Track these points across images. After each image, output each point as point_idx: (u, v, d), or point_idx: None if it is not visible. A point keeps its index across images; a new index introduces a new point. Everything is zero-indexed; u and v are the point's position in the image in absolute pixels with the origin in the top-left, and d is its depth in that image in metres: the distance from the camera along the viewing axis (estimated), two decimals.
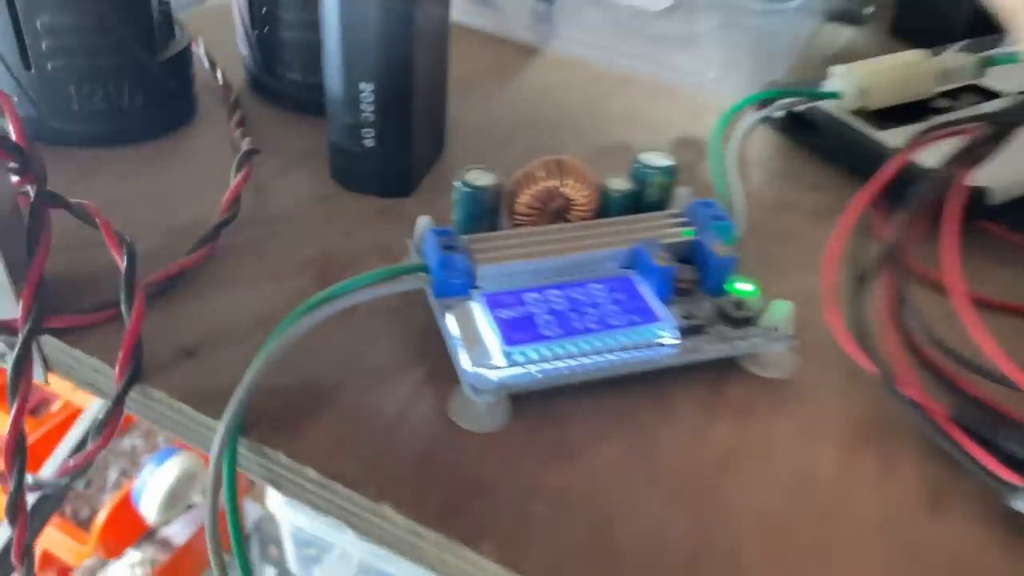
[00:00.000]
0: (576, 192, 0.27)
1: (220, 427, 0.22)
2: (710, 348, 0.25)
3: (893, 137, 0.34)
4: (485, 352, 0.23)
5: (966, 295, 0.23)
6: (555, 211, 0.27)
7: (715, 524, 0.21)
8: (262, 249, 0.29)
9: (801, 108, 0.37)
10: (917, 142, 0.27)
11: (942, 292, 0.29)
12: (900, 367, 0.24)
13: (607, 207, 0.28)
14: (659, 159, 0.28)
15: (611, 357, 0.24)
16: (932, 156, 0.28)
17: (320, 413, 0.23)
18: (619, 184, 0.28)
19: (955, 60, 0.36)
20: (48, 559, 0.78)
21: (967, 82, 0.37)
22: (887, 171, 0.27)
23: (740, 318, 0.25)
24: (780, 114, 0.37)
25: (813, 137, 0.37)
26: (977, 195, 0.30)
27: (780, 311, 0.25)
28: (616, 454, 0.23)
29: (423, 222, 0.27)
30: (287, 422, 0.23)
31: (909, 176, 0.27)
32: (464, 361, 0.23)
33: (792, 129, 0.38)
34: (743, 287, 0.26)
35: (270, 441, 0.22)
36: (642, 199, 0.28)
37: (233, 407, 0.22)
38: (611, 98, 0.42)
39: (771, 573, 0.20)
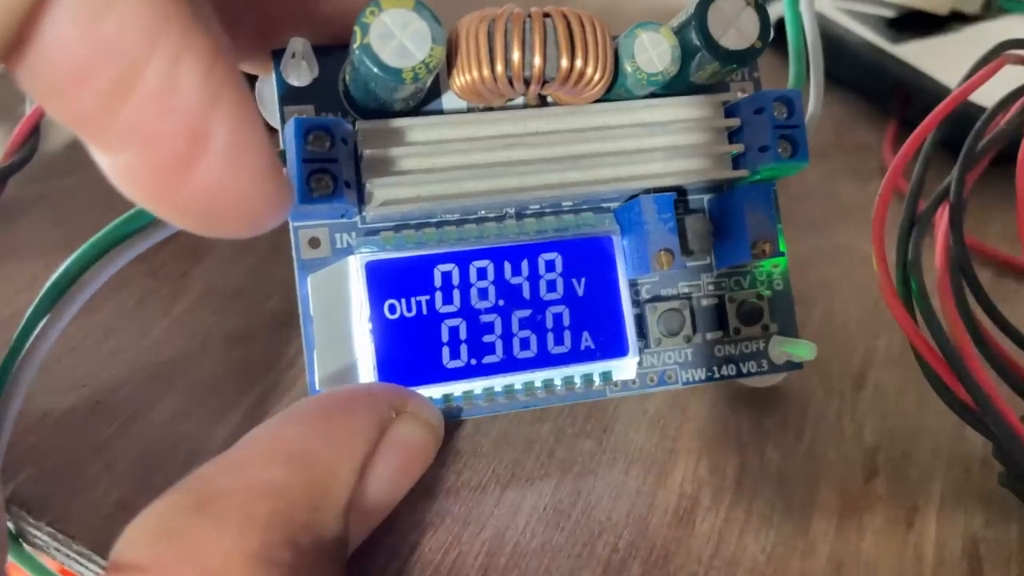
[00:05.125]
0: (572, 87, 0.15)
1: None
2: (685, 375, 0.17)
3: (914, 52, 0.26)
4: (350, 371, 0.15)
5: None
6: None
7: None
8: (66, 206, 0.21)
9: None
10: (986, 71, 0.19)
11: (981, 259, 0.23)
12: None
13: (614, 88, 0.16)
14: (742, 26, 0.15)
15: (540, 397, 0.16)
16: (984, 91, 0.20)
17: (109, 451, 0.16)
18: (651, 59, 0.15)
19: None
20: None
21: (974, 12, 0.29)
22: (946, 106, 0.19)
23: (745, 337, 0.18)
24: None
25: None
26: None
27: (801, 352, 0.17)
28: (534, 509, 0.16)
29: (297, 48, 0.15)
30: (61, 469, 0.16)
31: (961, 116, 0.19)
32: (317, 380, 0.16)
33: (778, 39, 0.30)
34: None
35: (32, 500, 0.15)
36: (677, 78, 0.16)
37: None
38: None
39: None
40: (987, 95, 0.20)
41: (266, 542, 0.11)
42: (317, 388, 0.15)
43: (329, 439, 0.13)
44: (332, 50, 0.15)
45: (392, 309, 0.15)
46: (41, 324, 0.14)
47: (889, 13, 0.28)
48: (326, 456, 0.13)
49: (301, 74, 0.15)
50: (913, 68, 0.26)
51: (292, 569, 0.11)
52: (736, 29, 0.15)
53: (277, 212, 0.11)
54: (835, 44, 0.28)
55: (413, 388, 0.15)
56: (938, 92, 0.25)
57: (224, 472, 0.12)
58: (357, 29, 0.13)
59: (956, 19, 0.28)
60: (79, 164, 0.23)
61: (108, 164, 0.10)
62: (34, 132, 0.22)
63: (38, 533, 0.16)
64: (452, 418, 0.16)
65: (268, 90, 0.16)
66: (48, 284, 0.15)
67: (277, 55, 0.15)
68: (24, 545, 0.16)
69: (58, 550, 0.16)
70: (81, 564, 0.15)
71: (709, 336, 0.18)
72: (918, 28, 0.27)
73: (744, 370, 0.18)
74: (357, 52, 0.14)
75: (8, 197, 0.21)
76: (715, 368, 0.18)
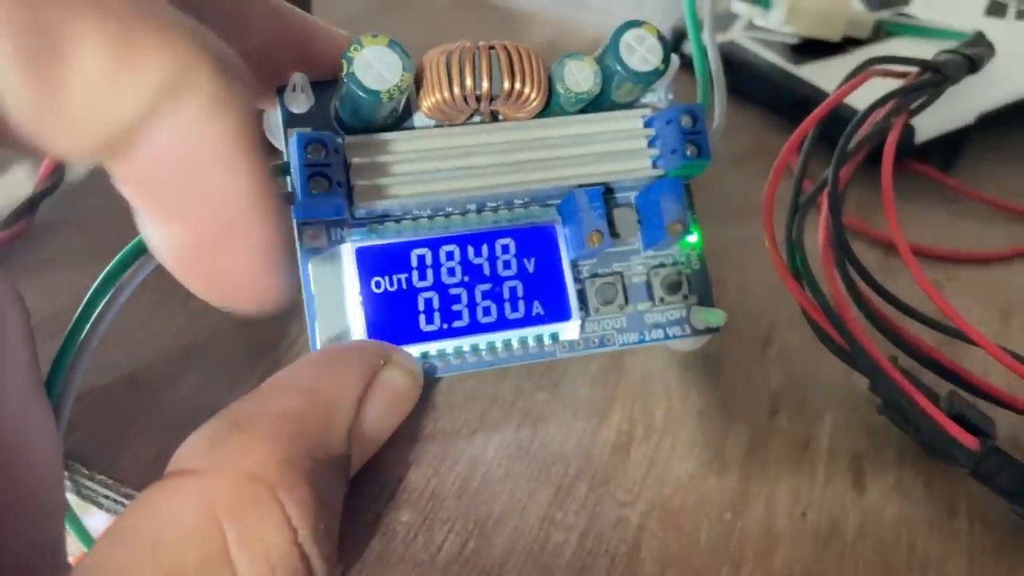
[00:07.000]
0: (515, 103, 0.19)
1: None
2: (621, 338, 0.21)
3: (813, 72, 0.31)
4: (345, 336, 0.19)
5: (908, 246, 0.20)
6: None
7: (608, 522, 0.18)
8: (91, 224, 0.25)
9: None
10: (855, 81, 0.24)
11: (871, 241, 0.27)
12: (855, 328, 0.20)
13: (551, 107, 0.20)
14: (647, 53, 0.19)
15: (500, 356, 0.20)
16: (860, 97, 0.25)
17: (144, 417, 0.19)
18: (578, 81, 0.19)
19: (862, 15, 0.33)
20: None
21: (864, 37, 0.33)
22: (821, 110, 0.23)
23: (669, 305, 0.22)
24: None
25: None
26: (905, 134, 0.27)
27: (714, 319, 0.21)
28: (499, 446, 0.20)
29: (297, 81, 0.19)
30: (105, 431, 0.19)
31: (838, 118, 0.24)
32: (319, 343, 0.19)
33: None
34: (691, 239, 0.22)
35: (83, 457, 0.19)
36: (601, 97, 0.20)
37: None
38: None
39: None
40: (865, 102, 0.24)
41: (290, 452, 0.15)
42: (318, 348, 0.19)
43: (333, 377, 0.16)
44: (323, 84, 0.19)
45: (378, 285, 0.19)
46: (93, 316, 0.18)
47: (792, 40, 0.32)
48: (331, 390, 0.16)
49: (300, 103, 0.19)
50: (813, 86, 0.30)
51: (311, 473, 0.15)
52: (643, 55, 0.19)
53: (280, 300, 0.13)
54: (748, 67, 0.32)
55: (400, 346, 0.19)
56: None
57: (253, 403, 0.16)
58: (344, 62, 0.17)
59: (849, 43, 0.32)
60: (100, 188, 0.26)
61: (155, 234, 0.12)
62: (60, 162, 0.25)
63: (89, 483, 0.19)
64: (429, 375, 0.20)
65: (273, 119, 0.19)
66: (95, 284, 0.18)
67: (280, 90, 0.19)
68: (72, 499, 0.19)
69: (106, 496, 0.19)
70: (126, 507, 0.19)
71: (640, 306, 0.22)
72: (817, 52, 0.32)
73: (670, 334, 0.22)
74: (345, 79, 0.17)
75: (41, 219, 0.24)
76: (645, 332, 0.21)
